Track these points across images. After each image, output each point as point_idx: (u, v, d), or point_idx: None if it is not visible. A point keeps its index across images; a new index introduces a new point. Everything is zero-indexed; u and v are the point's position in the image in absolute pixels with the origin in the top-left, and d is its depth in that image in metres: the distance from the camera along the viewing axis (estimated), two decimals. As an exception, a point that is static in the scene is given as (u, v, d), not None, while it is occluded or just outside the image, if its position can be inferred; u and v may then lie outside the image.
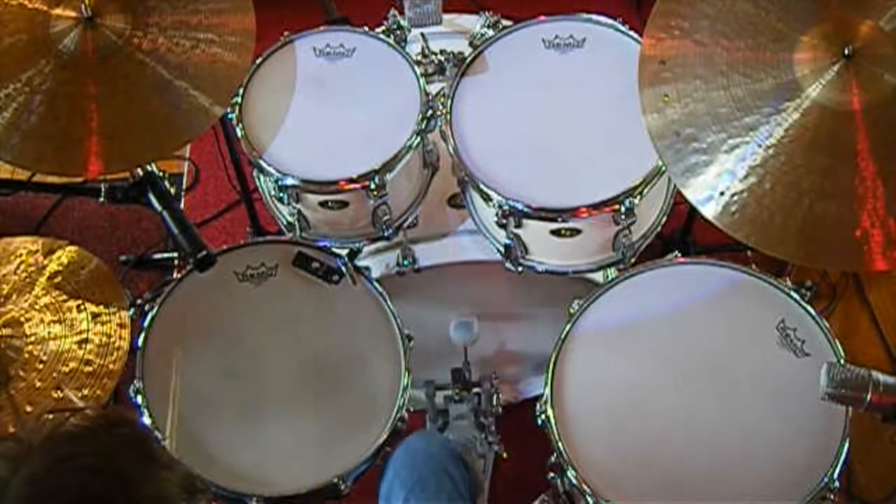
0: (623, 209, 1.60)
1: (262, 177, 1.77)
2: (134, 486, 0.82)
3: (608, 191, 1.60)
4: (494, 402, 1.89)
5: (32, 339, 1.61)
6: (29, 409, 1.52)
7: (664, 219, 1.77)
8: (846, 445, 1.41)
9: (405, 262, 1.81)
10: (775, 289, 1.57)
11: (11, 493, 0.79)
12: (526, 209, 1.61)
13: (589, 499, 1.42)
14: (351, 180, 1.66)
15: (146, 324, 1.67)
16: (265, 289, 1.73)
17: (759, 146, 1.34)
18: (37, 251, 1.73)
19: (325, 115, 1.76)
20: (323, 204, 1.72)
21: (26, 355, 1.59)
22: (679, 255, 1.67)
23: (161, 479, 0.84)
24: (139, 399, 1.58)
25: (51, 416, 0.85)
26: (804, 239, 1.30)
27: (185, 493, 0.85)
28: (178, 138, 1.55)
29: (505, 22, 1.89)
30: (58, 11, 1.52)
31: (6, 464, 0.80)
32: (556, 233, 1.65)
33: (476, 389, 1.92)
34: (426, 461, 1.57)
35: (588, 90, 1.74)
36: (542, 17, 1.82)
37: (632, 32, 1.76)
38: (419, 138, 1.71)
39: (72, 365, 1.59)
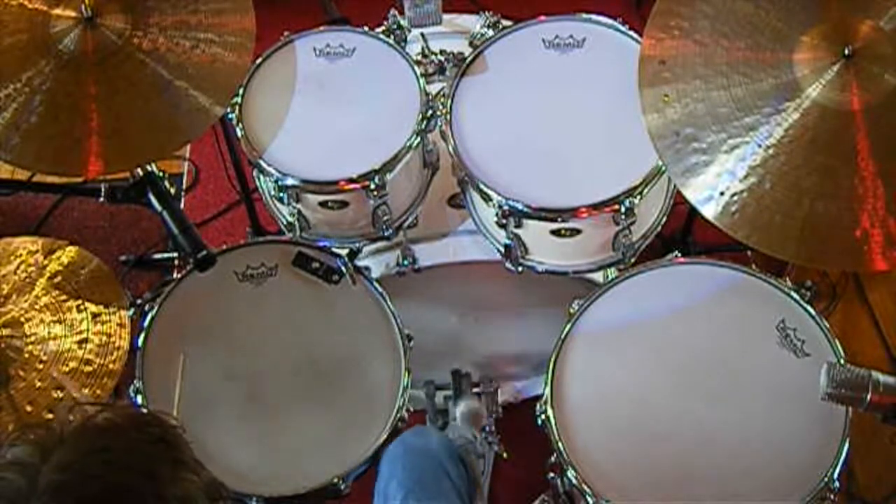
0: (623, 209, 1.60)
1: (262, 177, 1.77)
2: (161, 485, 0.83)
3: (608, 191, 1.60)
4: (494, 402, 1.89)
5: (32, 339, 1.61)
6: (29, 409, 1.52)
7: (664, 219, 1.77)
8: (846, 445, 1.41)
9: (405, 262, 1.81)
10: (775, 289, 1.57)
11: (42, 479, 0.80)
12: (526, 209, 1.61)
13: (589, 499, 1.42)
14: (351, 180, 1.66)
15: (146, 324, 1.67)
16: (265, 289, 1.73)
17: (759, 146, 1.34)
18: (37, 251, 1.73)
19: (325, 115, 1.76)
20: (323, 204, 1.72)
21: (26, 355, 1.59)
22: (679, 255, 1.67)
23: (188, 482, 0.85)
24: (139, 399, 1.59)
25: (84, 408, 0.87)
26: (804, 239, 1.30)
27: (208, 499, 0.86)
28: (178, 138, 1.56)
29: (505, 22, 1.89)
30: (58, 11, 1.52)
31: (37, 450, 0.82)
32: (556, 233, 1.65)
33: (476, 389, 1.92)
34: (424, 460, 1.56)
35: (588, 90, 1.74)
36: (542, 17, 1.82)
37: (632, 32, 1.75)
38: (419, 138, 1.71)
39: (72, 365, 1.59)
